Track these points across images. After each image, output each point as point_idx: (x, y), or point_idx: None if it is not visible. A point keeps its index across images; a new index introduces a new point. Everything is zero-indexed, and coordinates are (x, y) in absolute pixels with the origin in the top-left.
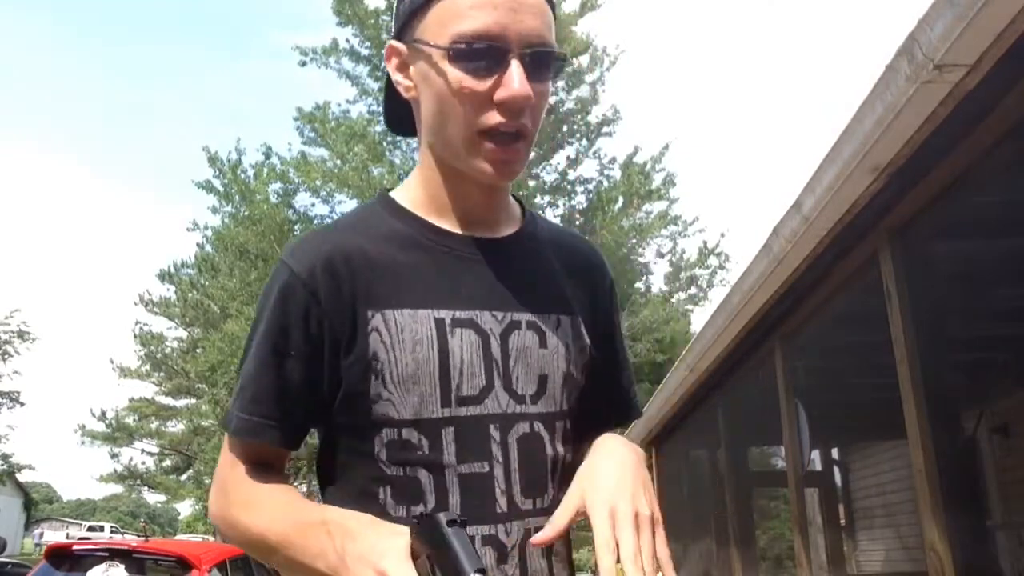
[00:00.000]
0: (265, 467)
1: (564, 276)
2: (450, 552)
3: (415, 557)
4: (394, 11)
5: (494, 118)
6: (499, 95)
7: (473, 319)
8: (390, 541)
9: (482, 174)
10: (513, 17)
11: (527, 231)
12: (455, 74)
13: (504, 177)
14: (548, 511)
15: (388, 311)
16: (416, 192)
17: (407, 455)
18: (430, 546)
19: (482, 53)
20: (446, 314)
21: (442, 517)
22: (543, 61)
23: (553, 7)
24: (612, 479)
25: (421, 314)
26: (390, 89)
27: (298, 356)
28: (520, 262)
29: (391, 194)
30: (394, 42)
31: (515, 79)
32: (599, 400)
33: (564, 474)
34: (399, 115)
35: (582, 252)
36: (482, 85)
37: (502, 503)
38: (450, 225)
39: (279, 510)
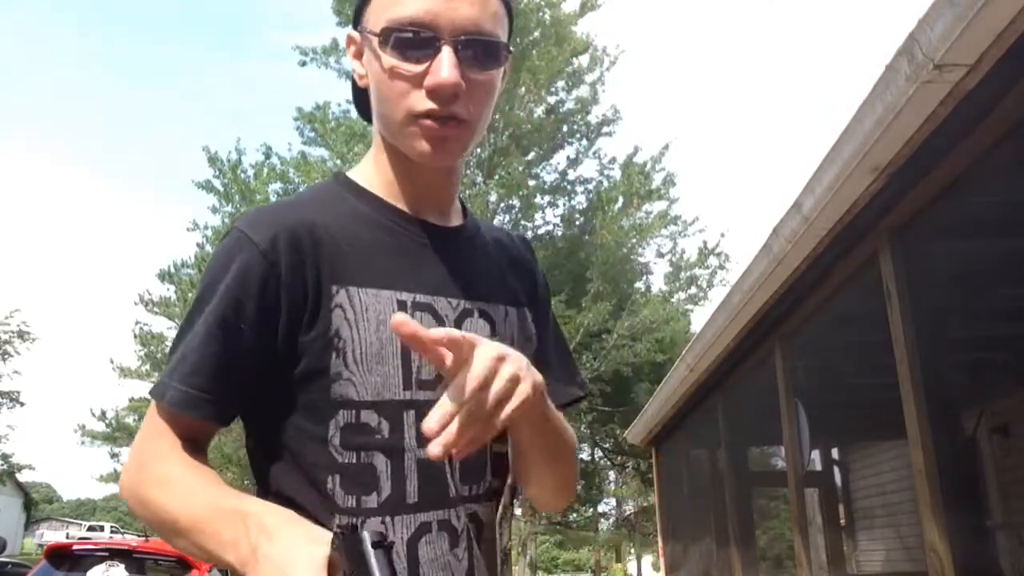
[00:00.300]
0: (190, 444)
1: (508, 269)
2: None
3: (331, 571)
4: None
5: (426, 103)
6: (427, 82)
7: (431, 304)
8: (307, 549)
9: (420, 155)
10: (447, 5)
11: (471, 224)
12: (387, 60)
13: (440, 155)
14: (482, 498)
15: (352, 288)
16: (371, 174)
17: (365, 439)
18: (350, 562)
19: (413, 40)
20: (407, 297)
21: (367, 536)
22: (481, 49)
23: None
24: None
25: (384, 294)
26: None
27: (249, 330)
28: (469, 252)
29: (348, 174)
30: (351, 31)
31: (443, 66)
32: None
33: (497, 462)
34: (368, 102)
35: (518, 247)
36: (413, 70)
37: (452, 488)
38: (404, 208)
39: (196, 492)
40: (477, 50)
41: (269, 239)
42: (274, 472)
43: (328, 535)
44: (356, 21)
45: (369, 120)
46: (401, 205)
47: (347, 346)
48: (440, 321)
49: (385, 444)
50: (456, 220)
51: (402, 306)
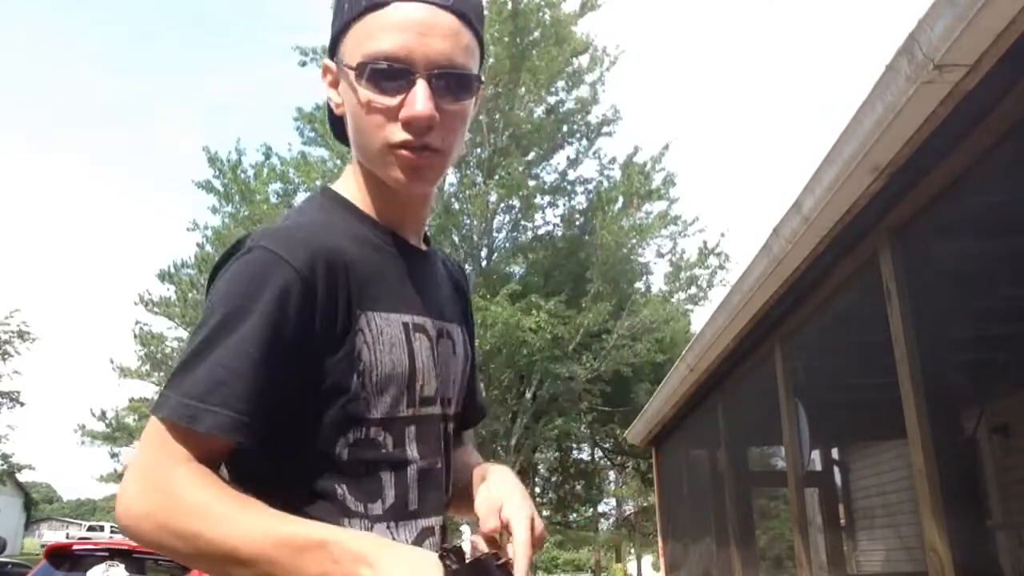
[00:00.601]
0: (209, 465)
1: (454, 291)
2: None
3: None
4: (334, 34)
5: (402, 135)
6: (402, 114)
7: (424, 324)
8: (426, 572)
9: (397, 182)
10: (420, 40)
11: (432, 248)
12: (364, 93)
13: (415, 183)
14: (444, 507)
15: (371, 313)
16: (357, 194)
17: (372, 453)
18: None
19: (388, 73)
20: (408, 318)
21: (492, 561)
22: (453, 82)
23: (474, 28)
24: (525, 501)
25: (393, 318)
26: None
27: (286, 356)
28: (435, 275)
29: (339, 192)
30: (327, 60)
31: (418, 99)
32: (466, 404)
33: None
34: (342, 126)
35: (457, 271)
36: (389, 103)
37: (445, 497)
38: (393, 230)
39: (250, 521)
40: (450, 82)
41: (308, 263)
42: (283, 482)
43: (433, 557)
44: (332, 51)
45: (345, 143)
46: (389, 227)
47: (366, 368)
48: (431, 340)
49: (390, 457)
50: (421, 244)
51: (405, 327)
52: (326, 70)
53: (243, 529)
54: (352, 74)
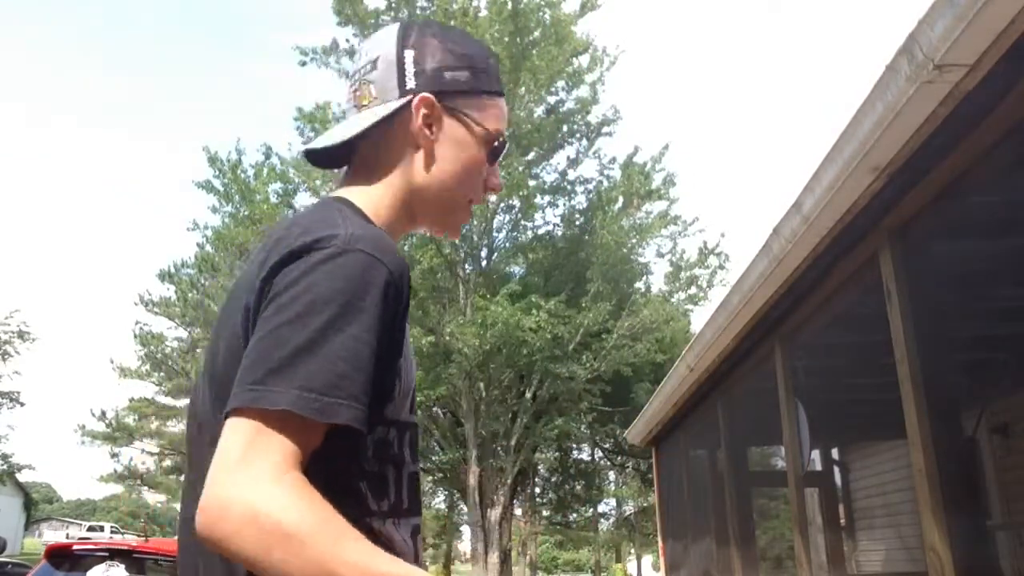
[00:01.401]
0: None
1: None
2: None
3: None
4: (420, 68)
5: (479, 195)
6: (493, 183)
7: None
8: None
9: (449, 230)
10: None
11: None
12: (482, 157)
13: (457, 233)
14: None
15: (407, 324)
16: (375, 213)
17: (385, 452)
18: None
19: (499, 152)
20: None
21: None
22: None
23: None
24: None
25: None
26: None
27: (383, 355)
28: None
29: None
30: (430, 96)
31: (499, 176)
32: None
33: None
34: (346, 147)
35: None
36: (486, 171)
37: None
38: None
39: (356, 551)
40: None
41: (400, 270)
42: (323, 478)
43: None
44: (439, 94)
45: (326, 165)
46: None
47: (402, 375)
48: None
49: (395, 457)
50: None
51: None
52: (427, 104)
53: (345, 558)
54: (479, 135)
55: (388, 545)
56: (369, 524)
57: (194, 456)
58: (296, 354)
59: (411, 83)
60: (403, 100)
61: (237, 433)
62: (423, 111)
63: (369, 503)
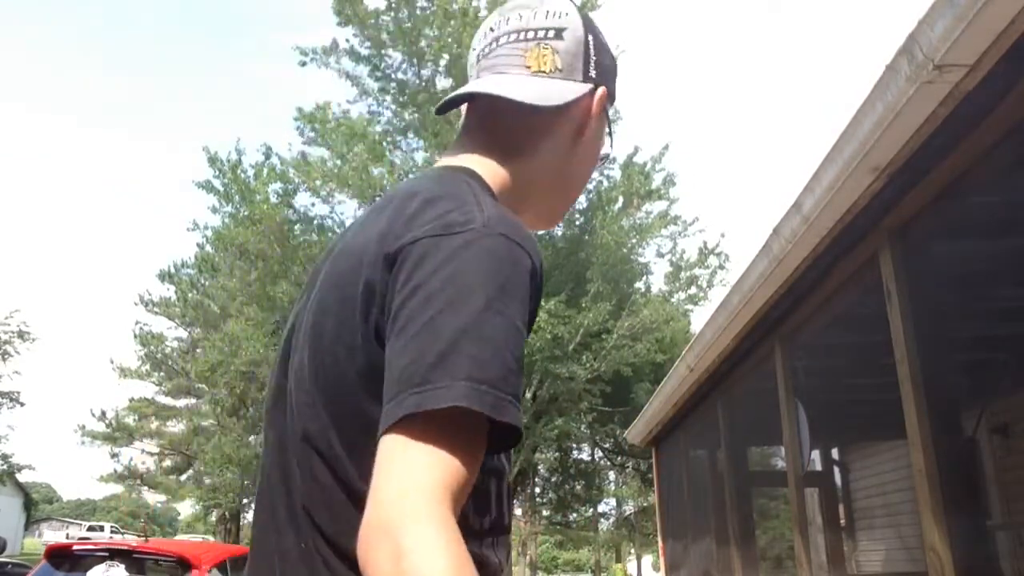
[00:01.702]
0: None
1: None
2: None
3: None
4: (599, 59)
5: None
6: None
7: None
8: None
9: (549, 220)
10: None
11: None
12: (607, 142)
13: (553, 226)
14: None
15: None
16: (499, 192)
17: (488, 461)
18: None
19: (604, 159)
20: None
21: None
22: None
23: None
24: None
25: None
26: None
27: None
28: None
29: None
30: (603, 89)
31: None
32: None
33: None
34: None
35: None
36: None
37: None
38: None
39: None
40: None
41: (542, 263)
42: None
43: None
44: (605, 82)
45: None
46: None
47: None
48: None
49: (496, 468)
50: None
51: None
52: (604, 101)
53: None
54: (607, 126)
55: (484, 571)
56: (470, 551)
57: (275, 421)
58: (457, 340)
59: (592, 72)
60: (589, 86)
61: (397, 450)
62: (603, 106)
63: (471, 521)
